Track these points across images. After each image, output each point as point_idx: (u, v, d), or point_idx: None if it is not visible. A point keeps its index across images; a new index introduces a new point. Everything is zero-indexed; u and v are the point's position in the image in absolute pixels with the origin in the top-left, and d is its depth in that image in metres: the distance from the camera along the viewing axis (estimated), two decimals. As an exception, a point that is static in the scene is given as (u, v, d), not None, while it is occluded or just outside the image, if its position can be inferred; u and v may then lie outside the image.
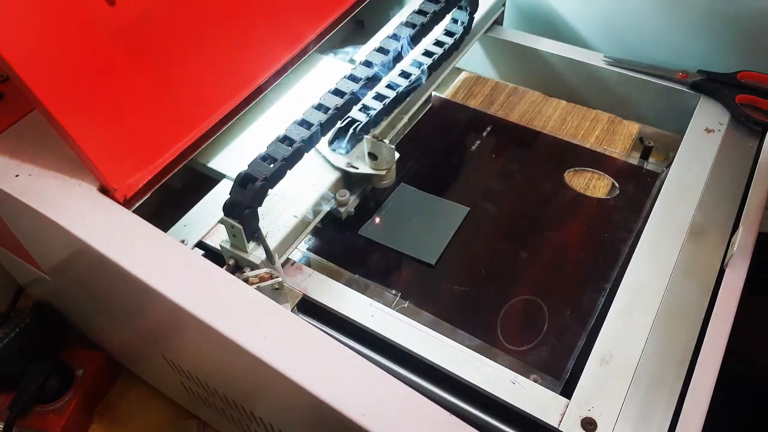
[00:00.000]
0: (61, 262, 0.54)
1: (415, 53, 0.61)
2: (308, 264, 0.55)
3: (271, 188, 0.47)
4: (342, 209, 0.56)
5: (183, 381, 0.56)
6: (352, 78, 0.54)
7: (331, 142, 0.56)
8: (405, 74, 0.59)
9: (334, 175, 0.56)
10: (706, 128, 0.61)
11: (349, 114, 0.56)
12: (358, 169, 0.55)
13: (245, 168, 0.47)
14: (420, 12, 0.59)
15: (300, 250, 0.56)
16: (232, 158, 0.59)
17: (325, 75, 0.67)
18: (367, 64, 0.56)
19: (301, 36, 0.59)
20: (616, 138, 0.67)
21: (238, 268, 0.49)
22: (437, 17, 0.60)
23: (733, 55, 0.70)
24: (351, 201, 0.56)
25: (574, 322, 0.50)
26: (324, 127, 0.51)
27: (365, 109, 0.57)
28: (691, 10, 0.69)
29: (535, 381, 0.45)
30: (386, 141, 0.55)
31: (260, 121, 0.63)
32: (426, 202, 0.60)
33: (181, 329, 0.46)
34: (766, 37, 0.66)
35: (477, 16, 0.66)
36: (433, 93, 0.71)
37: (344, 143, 0.56)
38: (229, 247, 0.48)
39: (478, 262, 0.55)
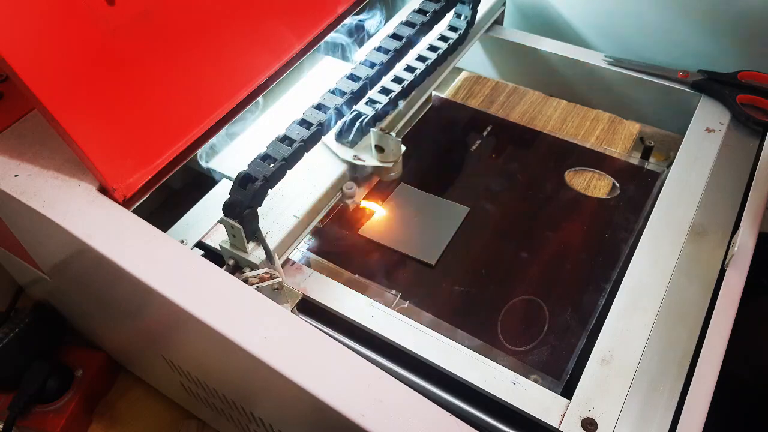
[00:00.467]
0: (61, 263, 0.54)
1: (420, 48, 0.61)
2: (308, 264, 0.55)
3: (271, 188, 0.47)
4: (349, 201, 0.56)
5: (182, 381, 0.56)
6: (352, 78, 0.54)
7: (337, 135, 0.57)
8: (410, 68, 0.59)
9: (341, 168, 0.56)
10: (707, 128, 0.61)
11: (356, 107, 0.56)
12: (364, 161, 0.55)
13: (245, 168, 0.47)
14: (420, 11, 0.59)
15: (300, 250, 0.56)
16: (232, 158, 0.59)
17: (325, 75, 0.67)
18: (367, 63, 0.56)
19: (302, 35, 0.59)
20: (617, 138, 0.67)
21: (237, 268, 0.49)
22: (437, 17, 0.60)
23: (733, 55, 0.69)
24: (358, 193, 0.57)
25: (575, 322, 0.50)
26: (324, 127, 0.51)
27: (372, 102, 0.57)
28: (691, 9, 0.69)
29: (536, 381, 0.45)
30: (393, 134, 0.55)
31: (260, 121, 0.63)
32: (426, 202, 0.60)
33: (181, 329, 0.46)
34: (767, 37, 0.66)
35: (477, 16, 0.66)
36: (434, 93, 0.71)
37: (351, 136, 0.56)
38: (228, 247, 0.48)
39: (478, 262, 0.55)
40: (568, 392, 0.43)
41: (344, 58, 0.69)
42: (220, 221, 0.47)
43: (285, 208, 0.53)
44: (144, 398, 0.69)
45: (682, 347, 0.44)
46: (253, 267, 0.47)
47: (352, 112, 0.56)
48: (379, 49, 0.57)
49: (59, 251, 0.51)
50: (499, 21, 0.77)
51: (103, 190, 0.47)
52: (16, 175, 0.48)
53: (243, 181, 0.46)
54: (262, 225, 0.47)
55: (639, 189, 0.61)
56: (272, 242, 0.50)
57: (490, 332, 0.50)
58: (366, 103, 0.57)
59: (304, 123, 0.51)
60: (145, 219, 0.46)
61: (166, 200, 0.64)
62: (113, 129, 0.45)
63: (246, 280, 0.45)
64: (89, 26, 0.42)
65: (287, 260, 0.53)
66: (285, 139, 0.49)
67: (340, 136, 0.57)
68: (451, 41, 0.62)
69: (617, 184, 0.61)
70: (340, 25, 0.63)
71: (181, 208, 0.55)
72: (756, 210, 0.52)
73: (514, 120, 0.69)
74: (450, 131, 0.68)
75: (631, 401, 0.42)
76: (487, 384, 0.44)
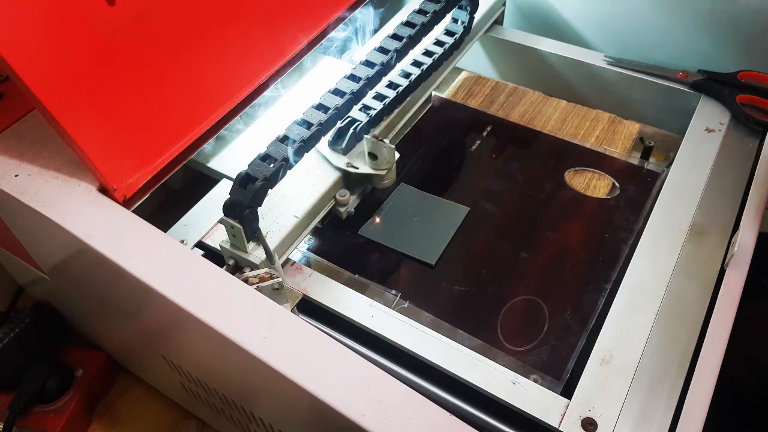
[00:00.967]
0: (61, 263, 0.54)
1: (416, 53, 0.61)
2: (308, 264, 0.55)
3: (271, 188, 0.47)
4: (342, 209, 0.56)
5: (183, 381, 0.56)
6: (352, 78, 0.54)
7: (331, 142, 0.56)
8: (405, 74, 0.59)
9: (334, 175, 0.55)
10: (707, 128, 0.61)
11: (350, 114, 0.55)
12: (358, 168, 0.55)
13: (245, 168, 0.47)
14: (420, 12, 0.59)
15: (300, 250, 0.56)
16: (232, 158, 0.59)
17: (325, 75, 0.67)
18: (367, 63, 0.56)
19: (302, 35, 0.59)
20: (617, 138, 0.67)
21: (237, 268, 0.49)
22: (437, 17, 0.60)
23: (733, 55, 0.69)
24: (351, 201, 0.56)
25: (575, 322, 0.50)
26: (324, 127, 0.51)
27: (365, 108, 0.57)
28: (691, 9, 0.69)
29: (536, 381, 0.45)
30: (386, 141, 0.54)
31: (260, 121, 0.63)
32: (426, 202, 0.60)
33: (181, 329, 0.46)
34: (767, 37, 0.66)
35: (477, 15, 0.66)
36: (433, 93, 0.71)
37: (344, 143, 0.56)
38: (228, 247, 0.48)
39: (478, 262, 0.55)
40: (568, 392, 0.43)
41: (344, 58, 0.69)
42: (220, 221, 0.47)
43: (285, 208, 0.53)
44: (144, 398, 0.69)
45: (682, 347, 0.44)
46: (253, 267, 0.47)
47: (345, 119, 0.55)
48: (379, 49, 0.57)
49: (59, 251, 0.51)
50: (499, 21, 0.77)
51: (103, 190, 0.47)
52: (16, 175, 0.48)
53: (243, 181, 0.46)
54: (262, 225, 0.47)
55: (639, 189, 0.61)
56: (272, 242, 0.50)
57: (490, 332, 0.50)
58: (360, 110, 0.56)
59: (304, 123, 0.51)
60: (145, 219, 0.46)
61: (166, 200, 0.64)
62: (113, 129, 0.45)
63: (246, 280, 0.45)
64: (89, 26, 0.42)
65: (287, 260, 0.53)
66: (285, 139, 0.49)
67: (334, 143, 0.56)
68: (447, 46, 0.62)
69: (617, 184, 0.61)
70: (340, 25, 0.63)
71: (181, 208, 0.55)
72: (756, 210, 0.52)
73: (514, 120, 0.69)
74: (450, 131, 0.68)
75: (631, 401, 0.42)
76: (487, 384, 0.44)
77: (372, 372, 0.38)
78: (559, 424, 0.41)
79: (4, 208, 0.50)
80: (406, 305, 0.52)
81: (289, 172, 0.49)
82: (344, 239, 0.57)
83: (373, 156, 0.55)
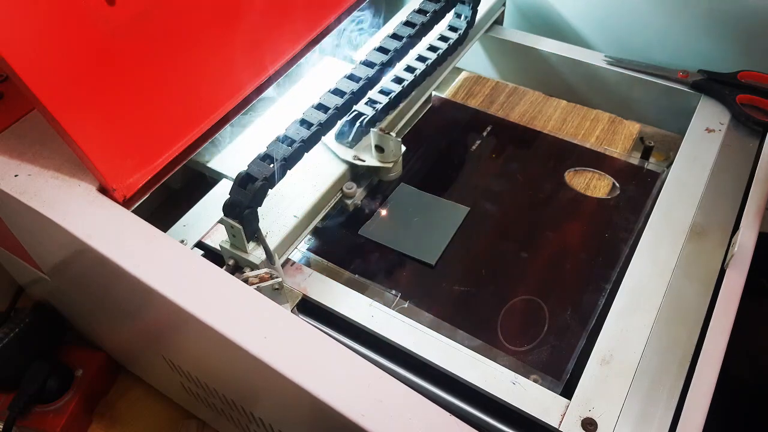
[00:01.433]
0: (61, 263, 0.54)
1: (420, 48, 0.61)
2: (308, 264, 0.55)
3: (271, 188, 0.47)
4: (349, 201, 0.56)
5: (183, 381, 0.56)
6: (352, 78, 0.54)
7: (338, 136, 0.57)
8: (410, 69, 0.59)
9: (341, 168, 0.56)
10: (707, 128, 0.61)
11: (356, 107, 0.56)
12: (364, 161, 0.56)
13: (245, 168, 0.47)
14: (420, 11, 0.59)
15: (300, 250, 0.56)
16: (232, 158, 0.59)
17: (325, 75, 0.67)
18: (368, 63, 0.56)
19: (302, 35, 0.59)
20: (617, 138, 0.67)
21: (237, 268, 0.49)
22: (437, 17, 0.60)
23: (733, 55, 0.69)
24: (358, 193, 0.57)
25: (575, 322, 0.50)
26: (324, 127, 0.51)
27: (372, 102, 0.57)
28: (691, 9, 0.69)
29: (536, 381, 0.45)
30: (393, 134, 0.55)
31: (260, 121, 0.63)
32: (426, 202, 0.60)
33: (181, 330, 0.46)
34: (767, 37, 0.66)
35: (477, 16, 0.66)
36: (433, 93, 0.71)
37: (351, 136, 0.56)
38: (228, 247, 0.48)
39: (478, 262, 0.55)
40: (568, 392, 0.43)
41: (344, 58, 0.69)
42: (220, 221, 0.47)
43: (285, 208, 0.53)
44: (144, 398, 0.69)
45: (682, 347, 0.44)
46: (253, 267, 0.47)
47: (351, 112, 0.56)
48: (379, 49, 0.57)
49: (59, 251, 0.51)
50: (499, 21, 0.77)
51: (103, 190, 0.47)
52: (16, 175, 0.48)
53: (243, 181, 0.46)
54: (262, 225, 0.47)
55: (639, 189, 0.61)
56: (272, 242, 0.50)
57: (490, 332, 0.50)
58: (366, 103, 0.57)
59: (304, 123, 0.51)
60: (145, 219, 0.46)
61: (166, 200, 0.64)
62: (113, 129, 0.45)
63: (246, 280, 0.45)
64: (89, 26, 0.42)
65: (287, 260, 0.53)
66: (285, 139, 0.49)
67: (340, 137, 0.57)
68: (451, 41, 0.62)
69: (617, 184, 0.61)
70: (340, 25, 0.63)
71: (181, 208, 0.55)
72: (756, 210, 0.52)
73: (514, 120, 0.69)
74: (450, 131, 0.68)
75: (631, 401, 0.42)
76: (487, 384, 0.44)
77: (372, 372, 0.38)
78: (559, 425, 0.41)
79: (4, 208, 0.50)
80: (406, 305, 0.52)
81: (289, 171, 0.49)
82: (344, 239, 0.57)
83: (379, 149, 0.56)
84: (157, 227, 0.45)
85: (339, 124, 0.55)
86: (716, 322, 0.45)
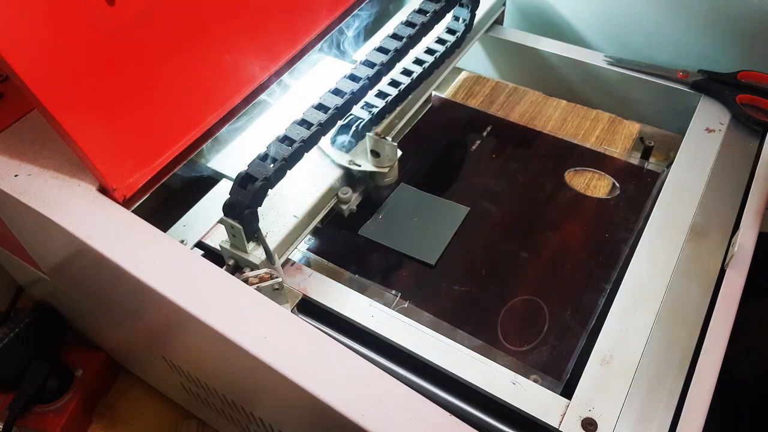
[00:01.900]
0: (61, 263, 0.54)
1: (418, 51, 0.61)
2: (308, 264, 0.54)
3: (271, 188, 0.47)
4: (344, 207, 0.56)
5: (182, 381, 0.56)
6: (352, 78, 0.54)
7: (333, 140, 0.56)
8: (407, 72, 0.59)
9: (337, 173, 0.56)
10: (707, 128, 0.61)
11: (352, 111, 0.56)
12: (360, 166, 0.55)
13: (245, 168, 0.47)
14: (420, 11, 0.59)
15: (300, 250, 0.56)
16: (232, 158, 0.59)
17: (325, 75, 0.67)
18: (368, 63, 0.56)
19: (302, 35, 0.59)
20: (617, 138, 0.67)
21: (237, 268, 0.49)
22: (437, 17, 0.60)
23: (733, 55, 0.69)
24: (353, 198, 0.56)
25: (575, 323, 0.50)
26: (324, 127, 0.51)
27: (368, 106, 0.57)
28: (691, 9, 0.69)
29: (536, 381, 0.45)
30: (389, 138, 0.55)
31: (260, 121, 0.63)
32: (426, 202, 0.60)
33: (181, 330, 0.46)
34: (767, 37, 0.66)
35: (477, 15, 0.66)
36: (433, 93, 0.71)
37: (346, 141, 0.56)
38: (228, 248, 0.48)
39: (478, 262, 0.55)
40: (568, 392, 0.43)
41: (344, 58, 0.69)
42: (220, 221, 0.47)
43: (285, 208, 0.53)
44: (144, 398, 0.69)
45: (682, 347, 0.44)
46: (253, 267, 0.47)
47: (347, 116, 0.55)
48: (379, 49, 0.57)
49: (59, 251, 0.51)
50: (499, 21, 0.77)
51: (103, 190, 0.47)
52: (16, 175, 0.48)
53: (243, 182, 0.46)
54: (262, 225, 0.47)
55: (639, 189, 0.61)
56: (272, 242, 0.50)
57: (490, 332, 0.50)
58: (362, 107, 0.56)
59: (304, 123, 0.51)
60: (145, 219, 0.46)
61: (166, 200, 0.64)
62: (113, 129, 0.45)
63: (246, 280, 0.45)
64: (89, 26, 0.42)
65: (287, 260, 0.53)
66: (285, 139, 0.49)
67: (336, 141, 0.56)
68: (448, 44, 0.62)
69: (617, 184, 0.61)
70: (340, 25, 0.63)
71: (181, 208, 0.55)
72: (756, 210, 0.52)
73: (514, 120, 0.69)
74: (450, 131, 0.68)
75: (631, 401, 0.42)
76: (487, 384, 0.44)
77: (372, 372, 0.38)
78: (559, 425, 0.41)
79: (4, 208, 0.50)
80: (406, 305, 0.52)
81: (289, 171, 0.49)
82: (344, 239, 0.57)
83: (375, 153, 0.55)
84: (157, 227, 0.45)
85: (335, 128, 0.55)
86: (716, 322, 0.45)
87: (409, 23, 0.58)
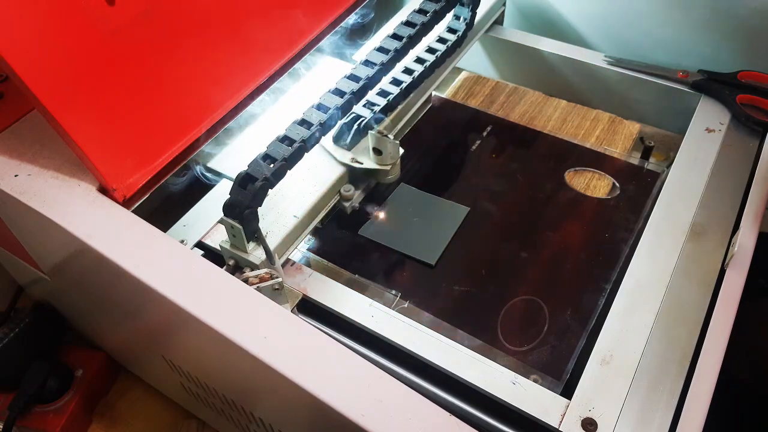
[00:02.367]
0: (61, 263, 0.54)
1: (419, 50, 0.61)
2: (308, 264, 0.54)
3: (271, 188, 0.47)
4: (347, 204, 0.56)
5: (183, 381, 0.56)
6: (352, 78, 0.54)
7: (335, 138, 0.57)
8: (408, 70, 0.59)
9: (339, 170, 0.56)
10: (707, 128, 0.61)
11: (354, 110, 0.56)
12: (362, 164, 0.55)
13: (245, 168, 0.47)
14: (420, 11, 0.59)
15: (300, 250, 0.56)
16: (232, 158, 0.59)
17: (325, 75, 0.67)
18: (368, 63, 0.56)
19: (302, 35, 0.59)
20: (617, 138, 0.67)
21: (237, 268, 0.49)
22: (437, 17, 0.60)
23: (733, 55, 0.69)
24: (356, 196, 0.57)
25: (575, 322, 0.50)
26: (324, 127, 0.51)
27: (370, 104, 0.57)
28: (691, 9, 0.69)
29: (536, 381, 0.45)
30: (390, 136, 0.55)
31: (260, 121, 0.63)
32: (426, 202, 0.60)
33: (181, 330, 0.46)
34: (767, 37, 0.66)
35: (477, 15, 0.66)
36: (433, 93, 0.71)
37: (349, 139, 0.56)
38: (228, 248, 0.48)
39: (478, 262, 0.55)
40: (568, 392, 0.43)
41: (344, 58, 0.69)
42: (220, 221, 0.47)
43: (285, 208, 0.53)
44: (144, 398, 0.69)
45: (682, 347, 0.44)
46: (253, 267, 0.47)
47: (349, 115, 0.55)
48: (379, 49, 0.57)
49: (59, 251, 0.51)
50: (499, 21, 0.77)
51: (103, 190, 0.47)
52: (16, 175, 0.48)
53: (243, 181, 0.46)
54: (262, 225, 0.47)
55: (639, 189, 0.61)
56: (272, 242, 0.50)
57: (490, 332, 0.50)
58: (364, 106, 0.57)
59: (304, 123, 0.51)
60: (145, 219, 0.46)
61: (166, 200, 0.64)
62: (113, 129, 0.45)
63: (246, 280, 0.45)
64: (89, 26, 0.42)
65: (287, 260, 0.53)
66: (285, 139, 0.49)
67: (338, 139, 0.57)
68: (449, 43, 0.62)
69: (617, 184, 0.61)
70: (340, 25, 0.63)
71: (181, 208, 0.55)
72: (756, 210, 0.52)
73: (514, 120, 0.69)
74: (450, 131, 0.68)
75: (631, 401, 0.42)
76: (487, 384, 0.44)
77: (372, 372, 0.38)
78: (559, 425, 0.41)
79: (4, 208, 0.50)
80: (406, 305, 0.52)
81: (289, 171, 0.49)
82: (344, 239, 0.57)
83: (377, 151, 0.56)
84: (157, 227, 0.45)
85: (337, 126, 0.55)
86: (716, 322, 0.45)
87: (409, 23, 0.58)
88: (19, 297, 0.73)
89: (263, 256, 0.47)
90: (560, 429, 0.41)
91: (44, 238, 0.51)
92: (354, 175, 0.57)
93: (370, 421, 0.36)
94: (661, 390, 0.42)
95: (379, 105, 0.56)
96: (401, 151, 0.56)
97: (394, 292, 0.53)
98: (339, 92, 0.53)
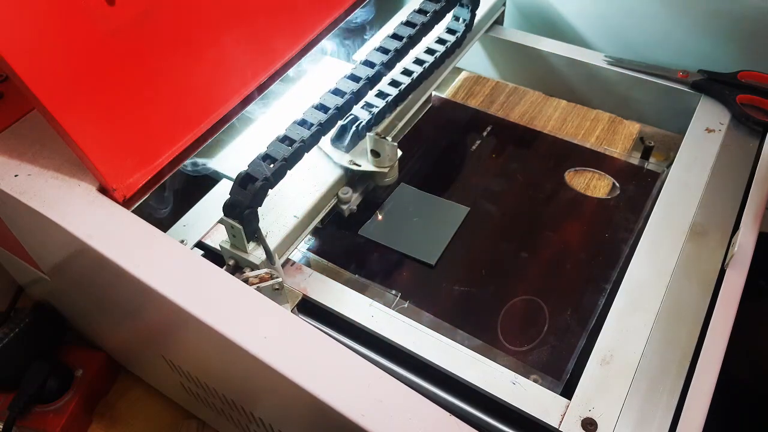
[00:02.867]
0: (61, 263, 0.54)
1: (418, 51, 0.61)
2: (308, 264, 0.55)
3: (272, 188, 0.47)
4: (344, 207, 0.56)
5: (183, 381, 0.56)
6: (352, 78, 0.54)
7: (333, 140, 0.56)
8: (407, 72, 0.59)
9: (337, 173, 0.56)
10: (707, 128, 0.61)
11: (352, 111, 0.56)
12: (360, 166, 0.55)
13: (245, 168, 0.47)
14: (420, 11, 0.59)
15: (300, 250, 0.56)
16: (232, 158, 0.59)
17: (325, 75, 0.67)
18: (368, 63, 0.56)
19: (302, 35, 0.59)
20: (617, 138, 0.67)
21: (238, 268, 0.49)
22: (437, 17, 0.60)
23: (733, 55, 0.69)
24: (353, 198, 0.56)
25: (575, 322, 0.50)
26: (324, 127, 0.51)
27: (368, 106, 0.57)
28: (691, 9, 0.69)
29: (536, 381, 0.45)
30: (389, 138, 0.55)
31: (260, 121, 0.63)
32: (426, 202, 0.60)
33: (181, 330, 0.46)
34: (767, 37, 0.66)
35: (477, 15, 0.66)
36: (433, 93, 0.71)
37: (347, 141, 0.56)
38: (229, 248, 0.48)
39: (478, 262, 0.55)
40: (568, 392, 0.43)
41: (344, 58, 0.69)
42: (220, 221, 0.47)
43: (285, 208, 0.53)
44: (144, 398, 0.69)
45: (682, 347, 0.44)
46: (254, 267, 0.47)
47: (348, 116, 0.55)
48: (379, 49, 0.57)
49: (59, 251, 0.51)
50: (499, 21, 0.77)
51: (103, 190, 0.47)
52: (16, 175, 0.48)
53: (243, 181, 0.46)
54: (262, 225, 0.47)
55: (639, 189, 0.61)
56: (272, 242, 0.50)
57: (490, 332, 0.50)
58: (362, 107, 0.56)
59: (304, 123, 0.51)
60: (145, 219, 0.46)
61: (165, 200, 0.64)
62: (113, 129, 0.45)
63: (246, 281, 0.45)
64: (89, 26, 0.42)
65: (287, 260, 0.53)
66: (285, 139, 0.49)
67: (336, 141, 0.56)
68: (449, 44, 0.62)
69: (617, 184, 0.61)
70: (340, 25, 0.63)
71: (181, 208, 0.55)
72: (756, 210, 0.52)
73: (514, 120, 0.69)
74: (450, 131, 0.68)
75: (631, 401, 0.42)
76: (487, 384, 0.44)
77: (372, 372, 0.38)
78: (559, 425, 0.41)
79: (4, 208, 0.50)
80: (406, 305, 0.52)
81: (289, 171, 0.49)
82: (344, 239, 0.57)
83: (375, 153, 0.56)
84: (157, 227, 0.45)
85: (335, 128, 0.55)
86: (716, 322, 0.45)
87: (409, 23, 0.58)
88: (19, 297, 0.73)
89: (263, 256, 0.47)
90: (560, 429, 0.41)
91: (44, 238, 0.51)
92: (352, 178, 0.57)
93: (370, 421, 0.36)
94: (661, 390, 0.42)
95: (377, 106, 0.56)
96: (399, 153, 0.56)
97: (394, 292, 0.53)
98: (339, 92, 0.53)
